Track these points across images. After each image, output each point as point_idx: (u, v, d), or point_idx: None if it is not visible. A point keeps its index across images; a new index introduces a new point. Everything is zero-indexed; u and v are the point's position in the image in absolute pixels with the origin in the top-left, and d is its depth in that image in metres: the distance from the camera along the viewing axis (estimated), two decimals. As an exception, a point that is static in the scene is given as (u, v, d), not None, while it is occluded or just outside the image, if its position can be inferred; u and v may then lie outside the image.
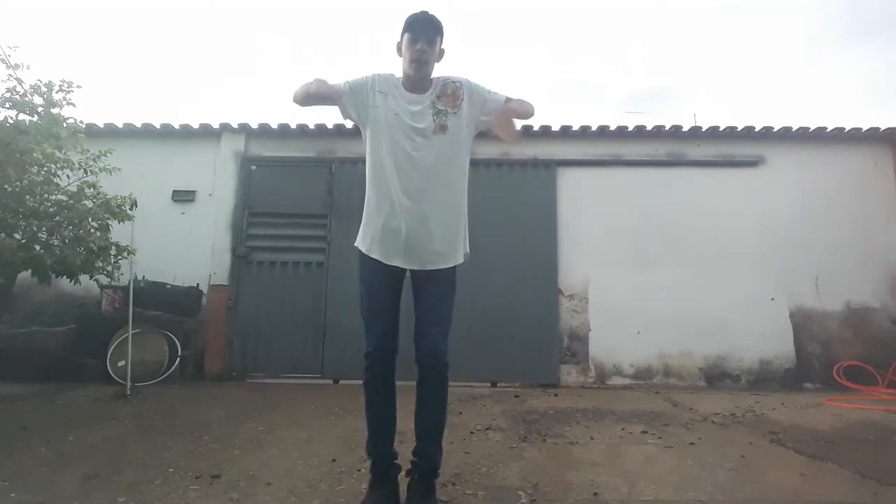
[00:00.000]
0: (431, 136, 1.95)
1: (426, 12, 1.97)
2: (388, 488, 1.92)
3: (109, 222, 4.06)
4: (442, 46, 2.03)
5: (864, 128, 5.72)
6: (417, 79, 1.99)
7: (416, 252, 1.95)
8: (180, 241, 5.52)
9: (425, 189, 1.94)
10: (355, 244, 2.06)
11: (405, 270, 1.99)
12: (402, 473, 1.98)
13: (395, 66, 2.08)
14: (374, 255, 1.98)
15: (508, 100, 2.03)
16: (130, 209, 4.14)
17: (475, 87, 2.05)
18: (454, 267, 2.03)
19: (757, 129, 5.73)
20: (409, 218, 1.92)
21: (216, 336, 5.40)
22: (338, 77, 2.06)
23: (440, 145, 1.96)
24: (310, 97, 1.96)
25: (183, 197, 5.74)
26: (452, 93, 2.00)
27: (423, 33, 1.95)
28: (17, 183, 3.64)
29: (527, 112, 2.05)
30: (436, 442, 1.99)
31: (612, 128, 5.78)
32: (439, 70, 2.06)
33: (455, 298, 2.04)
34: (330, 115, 6.54)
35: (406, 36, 1.98)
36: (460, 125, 1.99)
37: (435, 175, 1.96)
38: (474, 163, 1.96)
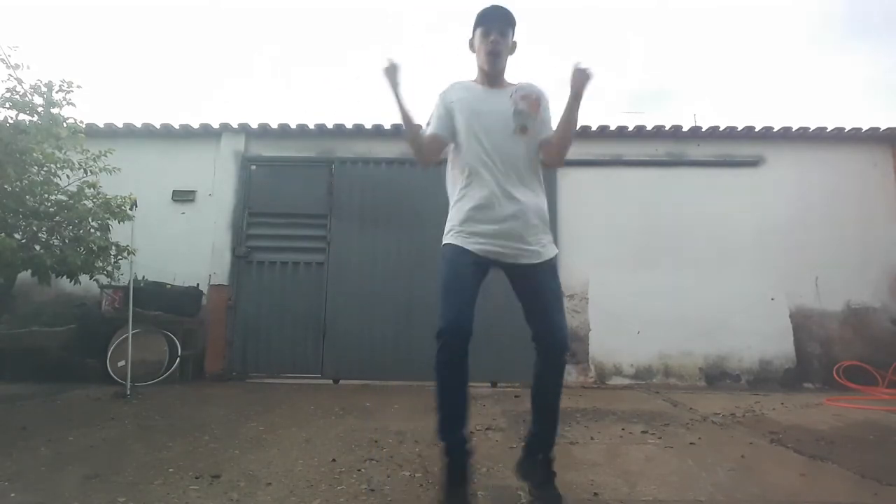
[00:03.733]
0: (511, 138, 1.95)
1: (497, 5, 2.00)
2: (464, 489, 1.84)
3: (109, 222, 4.06)
4: (514, 39, 2.05)
5: (864, 128, 5.73)
6: (493, 74, 2.02)
7: (510, 244, 1.94)
8: (180, 241, 5.53)
9: (516, 185, 1.94)
10: (443, 243, 1.99)
11: (489, 265, 1.96)
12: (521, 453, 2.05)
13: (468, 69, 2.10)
14: (461, 243, 1.93)
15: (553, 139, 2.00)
16: (130, 209, 4.14)
17: (548, 104, 2.04)
18: (553, 260, 2.05)
19: (757, 130, 5.74)
20: (503, 211, 1.91)
21: (216, 336, 5.40)
22: (420, 114, 2.03)
23: (521, 145, 1.96)
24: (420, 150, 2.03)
25: (183, 197, 5.75)
26: (536, 98, 1.99)
27: (496, 24, 1.99)
28: (17, 183, 3.63)
29: (561, 150, 2.01)
30: (554, 422, 2.01)
31: (612, 128, 5.79)
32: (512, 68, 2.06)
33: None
34: (330, 115, 6.53)
35: (478, 30, 2.02)
36: (535, 132, 1.99)
37: (519, 175, 1.95)
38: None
